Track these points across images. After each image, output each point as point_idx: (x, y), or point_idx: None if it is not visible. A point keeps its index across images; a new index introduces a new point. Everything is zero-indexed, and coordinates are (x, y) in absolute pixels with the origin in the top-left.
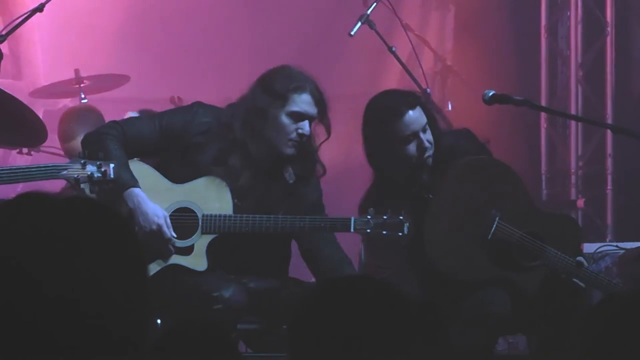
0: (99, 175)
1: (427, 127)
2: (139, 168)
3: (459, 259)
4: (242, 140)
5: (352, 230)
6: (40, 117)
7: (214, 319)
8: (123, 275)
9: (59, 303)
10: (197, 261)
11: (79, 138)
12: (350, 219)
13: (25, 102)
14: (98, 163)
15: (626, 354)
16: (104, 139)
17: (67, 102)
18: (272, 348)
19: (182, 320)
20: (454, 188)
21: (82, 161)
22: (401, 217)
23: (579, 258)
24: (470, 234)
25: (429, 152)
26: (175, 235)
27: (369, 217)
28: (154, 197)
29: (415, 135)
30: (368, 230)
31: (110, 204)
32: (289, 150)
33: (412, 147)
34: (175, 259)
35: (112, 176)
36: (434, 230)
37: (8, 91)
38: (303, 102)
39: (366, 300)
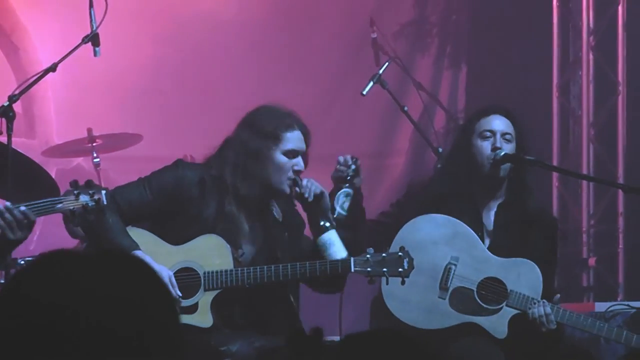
0: (93, 204)
1: None
2: (136, 234)
3: (420, 310)
4: (234, 186)
5: (352, 270)
6: (53, 176)
7: None
8: (164, 326)
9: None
10: (203, 318)
11: None
12: (350, 260)
13: (38, 161)
14: (91, 192)
15: None
16: (102, 219)
17: (80, 161)
18: None
19: None
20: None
21: (75, 192)
22: (400, 254)
23: (556, 296)
24: (430, 285)
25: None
26: (181, 295)
27: (367, 256)
28: (155, 260)
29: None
30: (369, 269)
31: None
32: (287, 189)
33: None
34: (181, 319)
35: (105, 202)
36: (391, 285)
37: (21, 150)
38: (296, 139)
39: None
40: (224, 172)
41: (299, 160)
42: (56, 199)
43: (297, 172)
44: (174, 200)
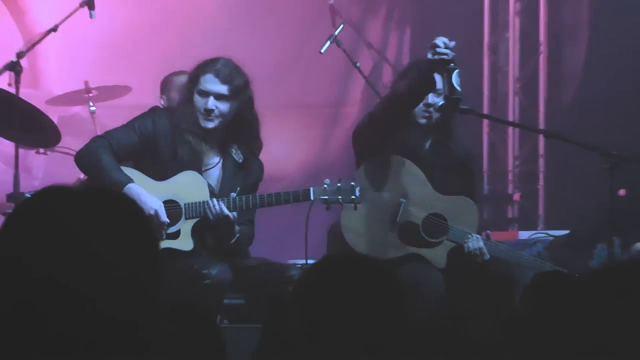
0: None
1: None
2: (127, 172)
3: (372, 242)
4: (184, 128)
5: (312, 198)
6: (55, 122)
7: (204, 293)
8: (140, 260)
9: (75, 290)
10: (184, 243)
11: None
12: (309, 189)
13: (42, 109)
14: None
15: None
16: (94, 152)
17: (78, 109)
18: (251, 320)
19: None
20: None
21: None
22: (352, 183)
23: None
24: (382, 219)
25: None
26: (168, 221)
27: (325, 185)
28: None
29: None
30: (326, 197)
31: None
32: (206, 124)
33: None
34: (166, 244)
35: None
36: (352, 217)
37: (27, 100)
38: (208, 81)
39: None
40: (181, 113)
41: (209, 100)
42: None
43: (207, 111)
44: (152, 141)
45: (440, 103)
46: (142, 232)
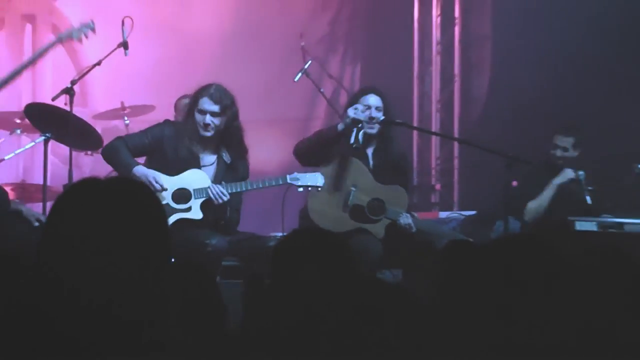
0: None
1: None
2: (141, 168)
3: (331, 219)
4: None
5: (288, 182)
6: (99, 132)
7: (207, 258)
8: (154, 229)
9: (106, 251)
10: (195, 214)
11: None
12: (286, 176)
13: (89, 122)
14: None
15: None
16: (116, 149)
17: (116, 123)
18: (241, 277)
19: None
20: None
21: None
22: (316, 174)
23: (412, 213)
24: (338, 202)
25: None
26: (164, 185)
27: (296, 174)
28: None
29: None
30: (299, 182)
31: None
32: (204, 134)
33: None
34: (181, 215)
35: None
36: (316, 201)
37: (79, 115)
38: (205, 102)
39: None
40: (185, 127)
41: (206, 116)
42: None
43: (205, 125)
44: (160, 144)
45: (382, 118)
46: (154, 207)
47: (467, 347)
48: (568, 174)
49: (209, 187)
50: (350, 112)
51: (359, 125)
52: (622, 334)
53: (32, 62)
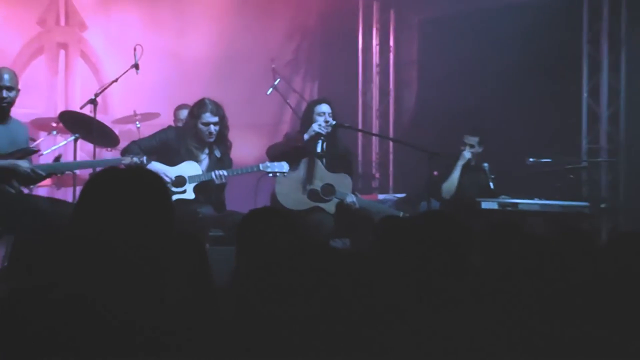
0: (140, 161)
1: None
2: (154, 164)
3: (293, 200)
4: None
5: (260, 169)
6: (117, 133)
7: (198, 224)
8: (162, 206)
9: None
10: (189, 195)
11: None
12: (259, 165)
13: (109, 126)
14: (138, 156)
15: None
16: (131, 151)
17: (130, 126)
18: (225, 245)
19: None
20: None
21: (130, 155)
22: (283, 162)
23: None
24: (298, 187)
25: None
26: (173, 178)
27: (266, 163)
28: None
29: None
30: (268, 169)
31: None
32: (209, 140)
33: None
34: (178, 196)
35: (145, 162)
36: (282, 187)
37: (101, 120)
38: (207, 116)
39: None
40: (186, 133)
41: (210, 127)
42: (121, 158)
43: (209, 133)
44: (166, 145)
45: (334, 122)
46: (162, 190)
47: (398, 290)
48: (466, 155)
49: (201, 174)
50: (315, 127)
51: (321, 138)
52: (518, 285)
53: None
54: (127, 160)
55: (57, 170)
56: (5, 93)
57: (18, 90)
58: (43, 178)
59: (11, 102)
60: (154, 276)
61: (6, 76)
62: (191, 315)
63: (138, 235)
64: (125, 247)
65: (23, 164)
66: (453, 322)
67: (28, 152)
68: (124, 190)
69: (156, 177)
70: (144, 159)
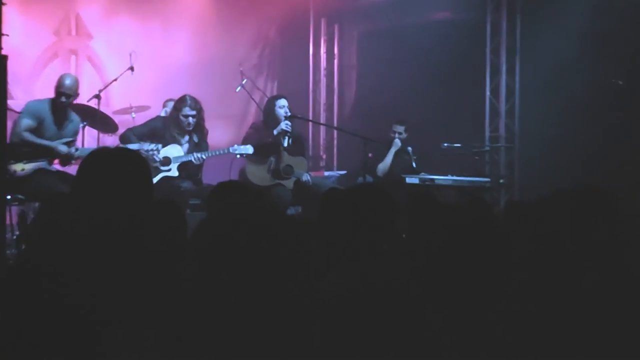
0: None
1: None
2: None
3: (259, 177)
4: (172, 127)
5: (231, 151)
6: (116, 122)
7: (179, 197)
8: (142, 179)
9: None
10: (173, 173)
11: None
12: (229, 148)
13: (111, 116)
14: (154, 145)
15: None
16: (127, 136)
17: (127, 117)
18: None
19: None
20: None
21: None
22: (247, 145)
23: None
24: (264, 167)
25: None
26: (161, 159)
27: (239, 145)
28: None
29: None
30: (237, 151)
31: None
32: (188, 128)
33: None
34: (165, 174)
35: (160, 148)
36: (251, 167)
37: (104, 111)
38: (187, 108)
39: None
40: (170, 122)
41: (188, 118)
42: (141, 144)
43: (189, 124)
44: (154, 132)
45: (290, 114)
46: (142, 166)
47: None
48: (397, 143)
49: (184, 156)
50: (283, 125)
51: (287, 134)
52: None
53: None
54: (146, 146)
55: (85, 153)
56: (64, 99)
57: (77, 95)
58: (75, 159)
59: (69, 104)
60: (138, 231)
61: (67, 82)
62: (167, 266)
63: (124, 200)
64: (114, 209)
65: (62, 147)
66: (379, 270)
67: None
68: (112, 165)
69: (138, 155)
70: (159, 146)
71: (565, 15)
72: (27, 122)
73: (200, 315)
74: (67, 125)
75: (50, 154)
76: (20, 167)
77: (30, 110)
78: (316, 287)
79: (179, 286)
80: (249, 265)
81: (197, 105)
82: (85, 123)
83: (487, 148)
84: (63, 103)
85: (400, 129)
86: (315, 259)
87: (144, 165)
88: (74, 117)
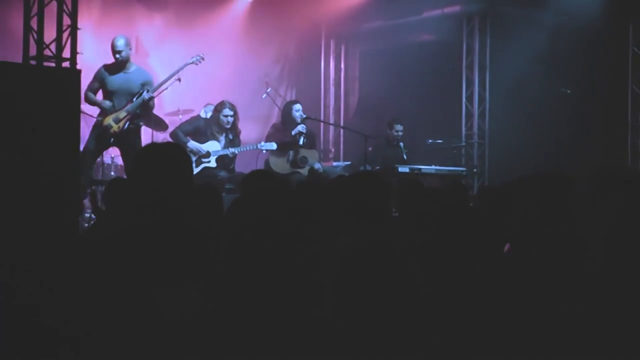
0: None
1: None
2: (192, 142)
3: (280, 167)
4: (213, 126)
5: (258, 147)
6: (167, 122)
7: (217, 183)
8: (186, 169)
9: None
10: (212, 164)
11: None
12: (257, 145)
13: (163, 117)
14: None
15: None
16: (176, 133)
17: (175, 118)
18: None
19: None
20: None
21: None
22: (272, 142)
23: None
24: (285, 159)
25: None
26: (206, 150)
27: (262, 143)
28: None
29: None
30: (263, 147)
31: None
32: (226, 126)
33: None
34: (205, 165)
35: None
36: (274, 159)
37: (157, 114)
38: (226, 110)
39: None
40: (211, 122)
41: (228, 118)
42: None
43: (228, 122)
44: (197, 129)
45: (304, 116)
46: (186, 159)
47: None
48: (301, 128)
49: (227, 149)
50: (300, 127)
51: (303, 135)
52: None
53: (175, 74)
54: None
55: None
56: (118, 56)
57: (130, 50)
58: (114, 113)
59: (126, 58)
60: (185, 211)
61: (118, 42)
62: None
63: (171, 185)
64: (164, 192)
65: (106, 103)
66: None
67: (139, 106)
68: (162, 156)
69: (181, 149)
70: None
71: (527, 38)
72: (91, 85)
73: (236, 273)
74: (126, 77)
75: (103, 111)
76: (116, 126)
77: (94, 76)
78: (332, 245)
79: (217, 251)
80: (276, 230)
81: (233, 107)
82: (141, 123)
83: (463, 144)
84: (117, 59)
85: (398, 127)
86: (329, 225)
87: (186, 157)
88: (136, 72)
